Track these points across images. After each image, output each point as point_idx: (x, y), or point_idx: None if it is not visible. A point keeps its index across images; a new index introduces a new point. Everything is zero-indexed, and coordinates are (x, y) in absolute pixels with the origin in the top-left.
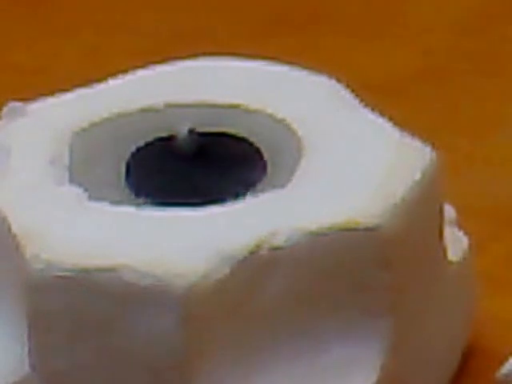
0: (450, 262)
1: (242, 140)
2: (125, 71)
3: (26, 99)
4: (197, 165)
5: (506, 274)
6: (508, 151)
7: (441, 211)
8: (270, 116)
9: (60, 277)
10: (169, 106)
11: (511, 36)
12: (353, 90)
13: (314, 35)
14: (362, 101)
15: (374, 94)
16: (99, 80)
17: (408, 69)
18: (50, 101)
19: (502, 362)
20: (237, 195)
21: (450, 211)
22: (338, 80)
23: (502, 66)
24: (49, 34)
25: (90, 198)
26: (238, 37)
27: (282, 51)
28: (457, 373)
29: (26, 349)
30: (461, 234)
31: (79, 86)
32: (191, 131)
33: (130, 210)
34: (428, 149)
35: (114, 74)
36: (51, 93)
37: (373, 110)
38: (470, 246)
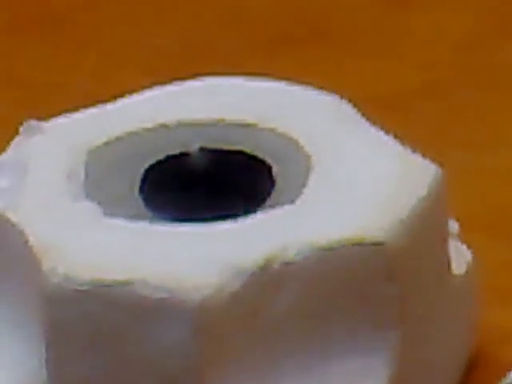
0: (454, 275)
1: (252, 157)
2: (136, 88)
3: (39, 115)
4: (208, 181)
5: (508, 285)
6: (508, 165)
7: (446, 225)
8: (279, 134)
9: (76, 290)
10: (181, 124)
11: (509, 51)
12: (355, 105)
13: (317, 52)
14: (364, 116)
15: (375, 108)
16: (111, 96)
17: (409, 84)
18: (66, 119)
19: (505, 372)
20: (248, 211)
21: (452, 224)
22: (341, 95)
23: (501, 80)
24: (62, 52)
25: (105, 213)
26: (246, 54)
27: (287, 68)
28: (461, 382)
29: (44, 359)
30: (464, 247)
31: (91, 102)
32: (202, 149)
33: (144, 225)
34: (433, 165)
35: (125, 90)
36: (64, 109)
37: (375, 124)
38: (473, 258)
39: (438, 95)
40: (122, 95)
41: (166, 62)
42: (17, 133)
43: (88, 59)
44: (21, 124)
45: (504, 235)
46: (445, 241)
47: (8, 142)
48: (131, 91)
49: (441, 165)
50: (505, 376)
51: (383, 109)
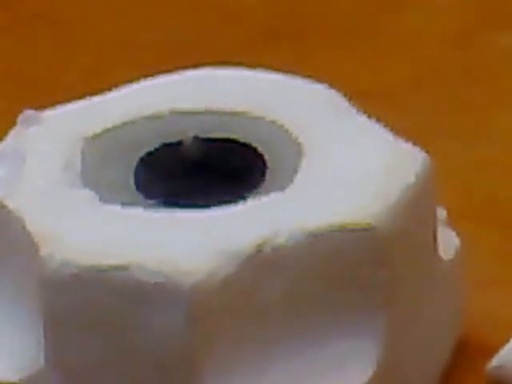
0: (442, 260)
1: (245, 145)
2: (129, 82)
3: (35, 109)
4: (202, 169)
5: (494, 271)
6: (494, 155)
7: (434, 212)
8: (271, 122)
9: (73, 275)
10: (175, 113)
11: (497, 46)
12: (348, 98)
13: (309, 46)
14: (356, 108)
15: (366, 101)
16: (105, 91)
17: (399, 77)
18: (63, 109)
19: (491, 355)
20: (240, 197)
21: (440, 212)
22: (333, 88)
23: (489, 74)
24: (56, 49)
25: (102, 200)
26: (237, 48)
27: (279, 61)
28: (449, 366)
29: (42, 344)
30: (452, 233)
31: (85, 97)
32: (196, 137)
33: (140, 211)
34: (422, 152)
35: (118, 84)
36: (60, 103)
37: (367, 116)
38: (461, 244)
39: (427, 88)
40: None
41: (159, 58)
42: (13, 127)
43: (82, 56)
44: (16, 119)
45: (491, 224)
46: (433, 226)
47: (4, 137)
48: (126, 85)
49: (429, 155)
50: (491, 360)
51: (373, 101)
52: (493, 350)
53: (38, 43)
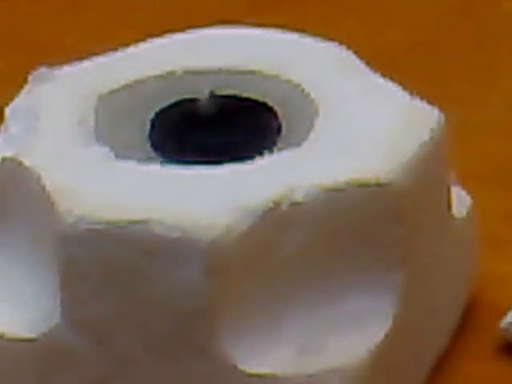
0: (455, 218)
1: (259, 103)
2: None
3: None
4: (217, 126)
5: (504, 232)
6: (495, 117)
7: (447, 169)
8: (285, 80)
9: (91, 230)
10: (189, 71)
11: (500, 11)
12: None
13: (308, 12)
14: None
15: (368, 65)
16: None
17: (400, 42)
18: (76, 66)
19: (502, 314)
20: (256, 154)
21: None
22: None
23: (491, 39)
24: (60, 13)
25: (117, 157)
26: (239, 12)
27: (279, 25)
28: (461, 323)
29: (58, 299)
30: (463, 193)
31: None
32: (211, 94)
33: (156, 167)
34: (436, 110)
35: (120, 47)
36: (62, 65)
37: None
38: (473, 204)
39: (429, 52)
40: None
41: (162, 21)
42: (16, 89)
43: (85, 19)
44: (18, 81)
45: (499, 185)
46: (446, 184)
47: (6, 103)
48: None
49: None
50: (502, 318)
51: (374, 65)
52: (504, 309)
53: (39, 7)
